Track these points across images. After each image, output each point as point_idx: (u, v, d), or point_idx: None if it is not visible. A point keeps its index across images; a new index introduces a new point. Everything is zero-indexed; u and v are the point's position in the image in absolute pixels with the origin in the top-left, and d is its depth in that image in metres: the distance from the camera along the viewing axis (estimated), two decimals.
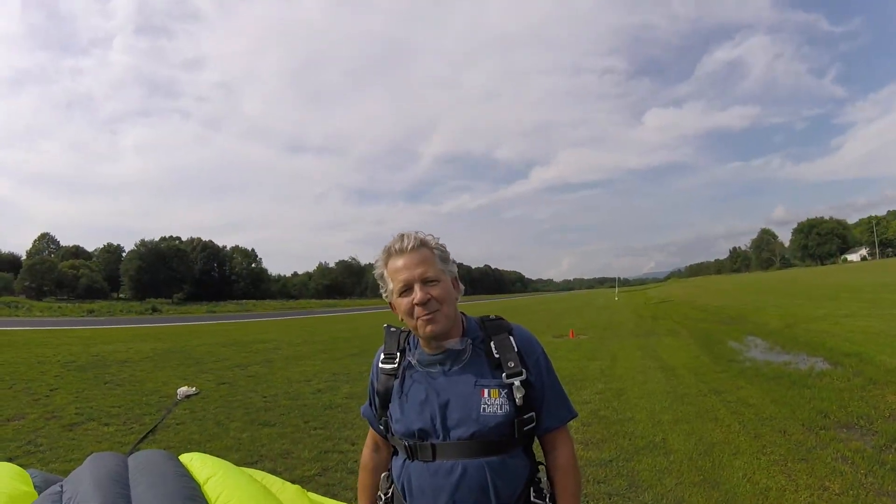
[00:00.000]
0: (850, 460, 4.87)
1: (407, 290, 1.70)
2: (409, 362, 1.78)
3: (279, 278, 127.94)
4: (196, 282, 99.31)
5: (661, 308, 30.85)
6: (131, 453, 1.69)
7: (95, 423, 7.23)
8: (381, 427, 1.84)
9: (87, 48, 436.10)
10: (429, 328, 1.68)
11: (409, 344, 1.83)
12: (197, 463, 1.78)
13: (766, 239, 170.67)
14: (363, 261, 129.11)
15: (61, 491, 1.43)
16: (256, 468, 2.42)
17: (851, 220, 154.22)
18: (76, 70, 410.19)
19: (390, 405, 1.78)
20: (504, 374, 1.67)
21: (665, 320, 21.76)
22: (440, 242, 1.80)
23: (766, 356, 10.74)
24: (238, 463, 1.99)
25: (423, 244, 1.74)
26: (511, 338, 1.76)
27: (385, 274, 1.76)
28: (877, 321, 13.71)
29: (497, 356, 1.71)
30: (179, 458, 1.80)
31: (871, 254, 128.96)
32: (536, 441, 1.80)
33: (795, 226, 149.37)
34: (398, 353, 1.82)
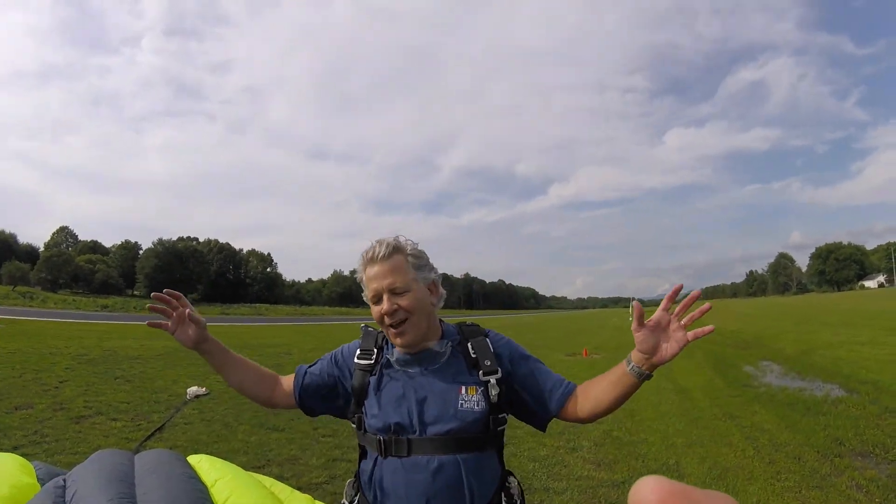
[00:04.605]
0: (865, 489, 4.75)
1: (378, 299, 1.71)
2: (388, 360, 1.78)
3: (293, 284, 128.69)
4: (211, 283, 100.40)
5: None
6: (138, 451, 1.65)
7: (103, 417, 7.25)
8: (353, 423, 1.82)
9: (116, 47, 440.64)
10: (398, 340, 1.71)
11: (386, 343, 1.83)
12: (205, 465, 1.74)
13: (783, 263, 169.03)
14: None
15: (64, 486, 1.39)
16: (263, 473, 2.37)
17: (869, 245, 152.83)
18: (104, 68, 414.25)
19: (366, 401, 1.77)
20: (481, 373, 1.71)
21: None
22: (418, 248, 1.79)
23: (782, 381, 10.52)
24: (245, 466, 1.95)
25: (396, 250, 1.73)
26: (487, 340, 1.80)
27: (363, 280, 1.77)
28: (894, 349, 13.45)
29: (474, 356, 1.74)
30: (188, 458, 1.76)
31: (889, 280, 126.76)
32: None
33: (813, 251, 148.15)
34: (375, 350, 1.82)
